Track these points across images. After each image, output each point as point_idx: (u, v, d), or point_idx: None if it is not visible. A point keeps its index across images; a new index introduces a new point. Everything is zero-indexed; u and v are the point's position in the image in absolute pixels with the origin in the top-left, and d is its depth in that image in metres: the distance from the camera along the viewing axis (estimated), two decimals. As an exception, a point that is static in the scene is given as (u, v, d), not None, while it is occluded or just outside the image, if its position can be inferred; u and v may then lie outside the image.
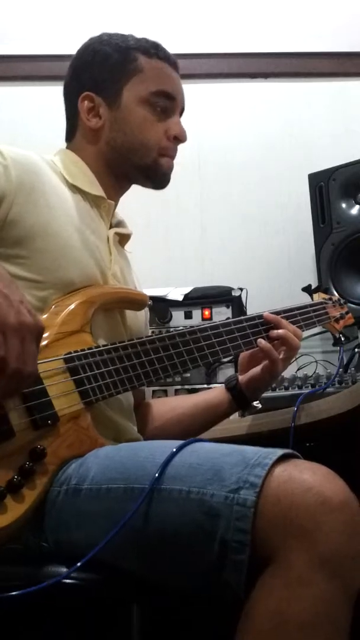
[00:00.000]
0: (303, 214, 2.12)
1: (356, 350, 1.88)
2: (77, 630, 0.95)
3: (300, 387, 1.53)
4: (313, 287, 1.52)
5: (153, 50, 1.27)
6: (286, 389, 1.54)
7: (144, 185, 1.32)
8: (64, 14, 2.35)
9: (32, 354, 0.87)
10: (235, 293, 1.87)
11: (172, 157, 1.29)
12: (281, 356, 1.26)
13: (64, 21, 2.34)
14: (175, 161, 1.32)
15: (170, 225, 2.27)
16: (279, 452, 0.86)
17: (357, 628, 0.81)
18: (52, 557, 0.93)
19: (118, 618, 0.93)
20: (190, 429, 1.31)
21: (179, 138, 1.28)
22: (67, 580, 0.85)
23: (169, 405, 1.38)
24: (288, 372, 1.36)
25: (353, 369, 1.75)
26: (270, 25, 2.40)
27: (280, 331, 1.26)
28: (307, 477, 0.82)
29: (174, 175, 1.33)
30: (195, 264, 2.28)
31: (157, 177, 1.29)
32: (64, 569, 0.88)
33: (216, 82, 2.39)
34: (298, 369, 1.91)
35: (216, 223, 2.32)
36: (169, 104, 1.27)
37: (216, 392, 1.34)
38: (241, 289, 1.89)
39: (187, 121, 1.37)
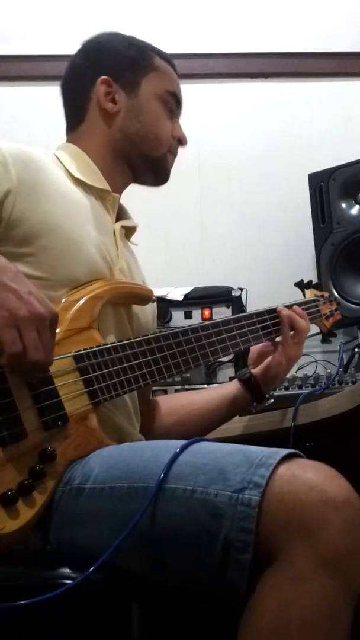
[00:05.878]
0: (303, 214, 2.12)
1: (356, 350, 1.89)
2: (77, 630, 0.94)
3: (300, 387, 1.53)
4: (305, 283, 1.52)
5: (165, 55, 1.32)
6: (286, 389, 1.54)
7: (143, 179, 1.34)
8: (64, 14, 2.35)
9: (49, 343, 0.87)
10: (235, 293, 1.87)
11: (175, 155, 1.34)
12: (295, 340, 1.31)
13: (64, 21, 2.34)
14: (175, 161, 1.35)
15: (170, 225, 2.27)
16: (283, 452, 0.86)
17: (357, 627, 0.81)
18: (55, 557, 0.93)
19: (118, 618, 0.93)
20: (208, 424, 1.32)
21: (182, 141, 1.33)
22: (67, 580, 0.85)
23: (184, 400, 1.37)
24: (288, 372, 1.36)
25: (353, 369, 1.75)
26: (270, 25, 2.40)
27: (285, 312, 1.31)
28: (311, 475, 0.82)
29: (173, 175, 1.35)
30: (195, 264, 2.28)
31: (161, 172, 1.32)
32: (68, 570, 0.88)
33: (216, 82, 2.39)
34: (298, 369, 1.91)
35: (216, 223, 2.32)
36: (175, 107, 1.32)
37: (230, 387, 1.34)
38: (241, 289, 1.89)
39: (187, 121, 1.38)
